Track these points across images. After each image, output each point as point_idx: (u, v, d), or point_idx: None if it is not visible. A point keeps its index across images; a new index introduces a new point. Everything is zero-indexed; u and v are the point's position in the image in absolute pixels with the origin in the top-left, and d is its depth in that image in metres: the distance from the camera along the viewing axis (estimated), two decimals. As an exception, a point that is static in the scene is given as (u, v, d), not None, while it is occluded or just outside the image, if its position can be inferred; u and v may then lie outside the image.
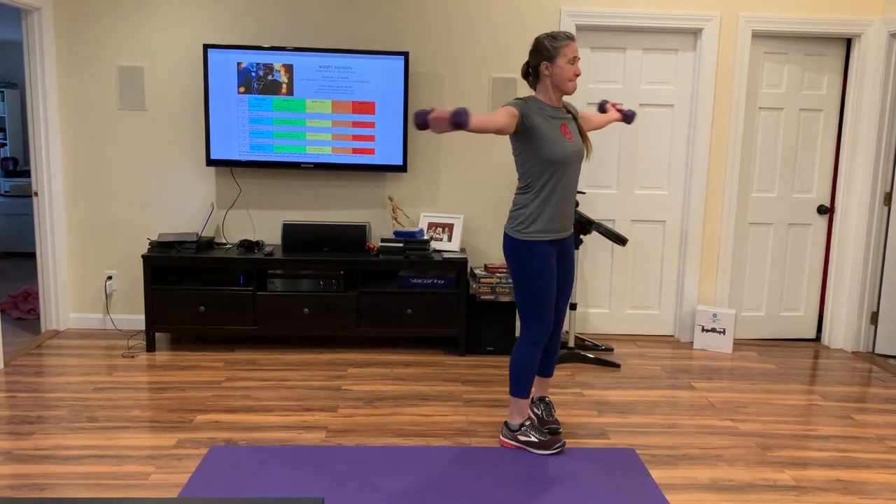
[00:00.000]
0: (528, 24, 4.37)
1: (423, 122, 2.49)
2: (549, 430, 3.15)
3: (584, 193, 4.31)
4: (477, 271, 4.25)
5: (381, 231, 4.54)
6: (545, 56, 2.87)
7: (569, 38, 2.87)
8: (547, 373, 3.23)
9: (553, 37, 2.88)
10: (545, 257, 2.91)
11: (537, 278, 2.90)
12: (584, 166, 4.55)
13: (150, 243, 4.15)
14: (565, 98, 3.17)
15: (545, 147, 2.83)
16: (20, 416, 3.22)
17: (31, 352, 4.11)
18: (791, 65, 4.49)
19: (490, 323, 4.23)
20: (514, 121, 2.78)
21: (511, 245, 2.94)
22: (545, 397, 3.26)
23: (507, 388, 3.72)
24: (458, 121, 2.48)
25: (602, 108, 3.27)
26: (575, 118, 3.01)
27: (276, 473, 2.74)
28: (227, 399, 3.47)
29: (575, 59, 2.88)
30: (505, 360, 4.17)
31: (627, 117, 3.22)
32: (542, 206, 2.89)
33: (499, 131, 2.73)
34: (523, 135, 2.84)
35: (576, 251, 4.16)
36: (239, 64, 4.21)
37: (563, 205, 2.93)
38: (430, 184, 4.51)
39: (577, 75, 2.90)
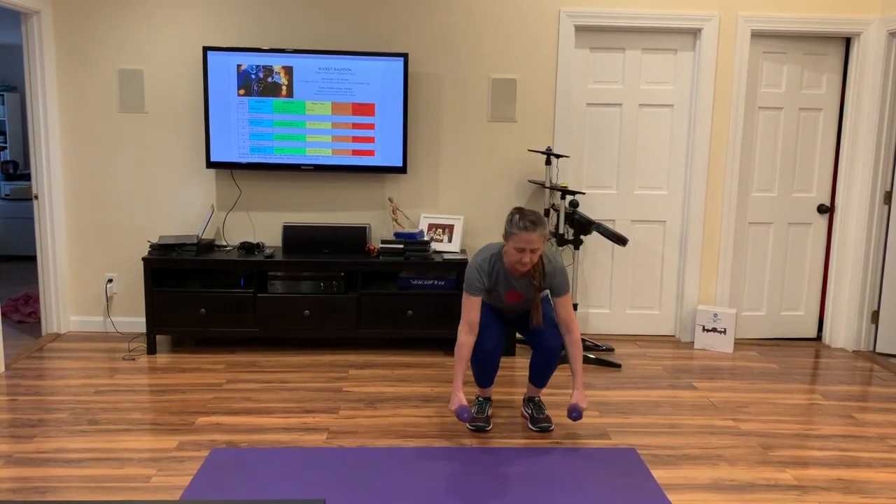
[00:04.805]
0: (528, 25, 4.37)
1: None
2: (540, 428, 3.19)
3: (584, 194, 4.30)
4: (477, 272, 4.24)
5: (381, 232, 4.55)
6: (505, 231, 3.00)
7: (525, 228, 2.88)
8: (535, 383, 3.28)
9: (512, 221, 2.94)
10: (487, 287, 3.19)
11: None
12: (583, 167, 4.56)
13: (151, 246, 4.15)
14: (549, 259, 3.07)
15: (488, 297, 3.22)
16: (21, 419, 3.22)
17: (32, 355, 4.11)
18: (790, 64, 4.49)
19: (491, 324, 4.23)
20: (479, 303, 3.06)
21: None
22: (534, 397, 3.31)
23: (507, 389, 3.72)
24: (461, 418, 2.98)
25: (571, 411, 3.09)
26: (539, 289, 3.07)
27: (278, 475, 2.74)
28: (229, 401, 3.47)
29: (522, 251, 2.91)
30: (505, 361, 4.17)
31: (570, 411, 3.07)
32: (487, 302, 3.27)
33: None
34: None
35: (575, 252, 4.17)
36: (239, 66, 4.21)
37: (503, 314, 3.29)
38: (431, 185, 4.51)
39: (524, 265, 2.94)
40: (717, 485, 2.76)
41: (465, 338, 3.03)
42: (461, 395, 2.99)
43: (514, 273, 3.05)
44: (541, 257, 3.04)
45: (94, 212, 4.47)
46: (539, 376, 3.23)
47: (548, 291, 3.21)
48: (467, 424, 3.23)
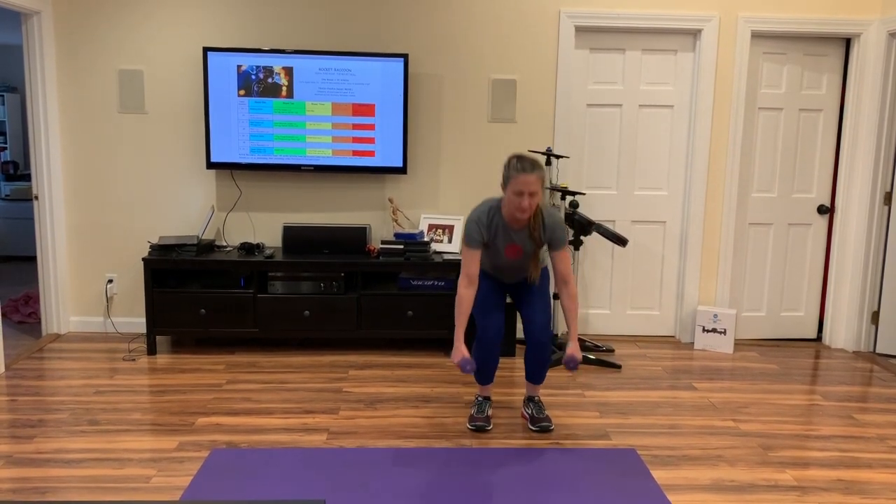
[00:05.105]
0: (528, 26, 4.37)
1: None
2: (541, 427, 3.20)
3: (584, 194, 4.31)
4: (477, 273, 4.24)
5: (381, 233, 4.55)
6: (503, 178, 2.98)
7: (523, 170, 2.87)
8: (532, 380, 3.29)
9: (510, 165, 2.93)
10: (484, 281, 3.26)
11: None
12: (583, 168, 4.56)
13: (151, 246, 4.15)
14: (548, 212, 3.05)
15: (486, 254, 3.16)
16: (21, 419, 3.22)
17: (32, 355, 4.11)
18: (790, 65, 4.50)
19: (491, 324, 4.23)
20: (478, 256, 3.06)
21: None
22: (534, 397, 3.32)
23: (507, 390, 3.72)
24: (465, 371, 3.02)
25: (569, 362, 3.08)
26: (539, 243, 3.06)
27: (278, 475, 2.74)
28: (229, 402, 3.47)
29: (521, 195, 2.88)
30: (505, 361, 4.17)
31: (567, 362, 3.06)
32: (486, 263, 3.23)
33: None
34: None
35: (576, 252, 4.17)
36: (239, 66, 4.21)
37: (501, 275, 3.23)
38: (431, 185, 4.52)
39: (523, 210, 2.92)
40: (717, 485, 2.76)
41: (466, 291, 3.03)
42: (463, 348, 3.00)
43: (514, 225, 3.04)
44: (540, 211, 3.03)
45: (94, 212, 4.47)
46: (532, 372, 3.24)
47: (548, 264, 3.20)
48: (467, 424, 3.23)
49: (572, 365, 3.05)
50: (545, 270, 3.27)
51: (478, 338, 3.14)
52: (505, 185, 2.95)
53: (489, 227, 3.06)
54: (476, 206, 3.13)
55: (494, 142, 4.47)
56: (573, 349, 3.07)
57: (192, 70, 4.36)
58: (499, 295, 3.24)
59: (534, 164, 2.89)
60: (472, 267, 3.04)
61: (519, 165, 2.89)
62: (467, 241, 3.04)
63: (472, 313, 3.40)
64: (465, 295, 3.03)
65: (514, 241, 3.07)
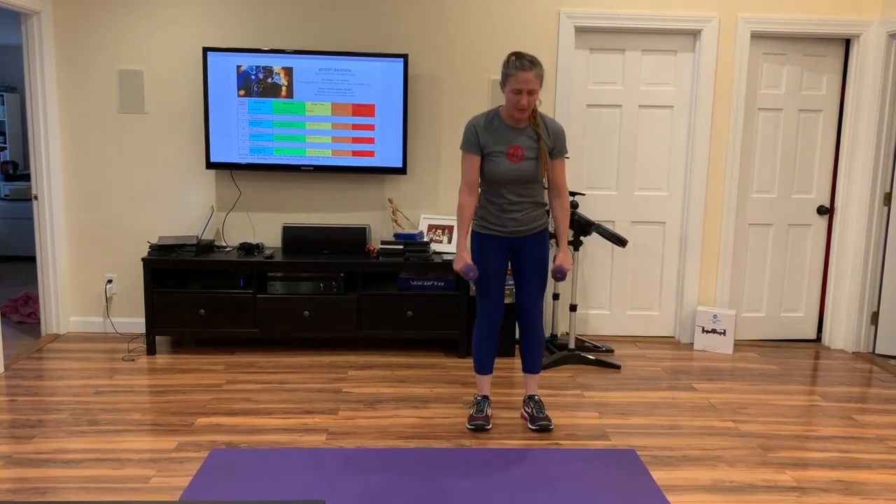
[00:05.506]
0: (528, 26, 4.37)
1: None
2: (540, 426, 3.20)
3: (583, 195, 4.31)
4: (477, 273, 4.24)
5: (380, 233, 4.55)
6: (502, 76, 2.97)
7: (521, 68, 2.86)
8: (528, 368, 3.30)
9: (508, 63, 2.93)
10: (482, 246, 3.16)
11: (476, 264, 3.19)
12: (583, 168, 4.56)
13: (151, 246, 4.15)
14: (549, 119, 3.07)
15: (486, 166, 3.06)
16: (21, 419, 3.22)
17: (32, 355, 4.11)
18: (790, 65, 4.50)
19: (490, 325, 4.22)
20: (476, 163, 3.05)
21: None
22: (534, 396, 3.32)
23: (507, 390, 3.72)
24: (467, 277, 3.07)
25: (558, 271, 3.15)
26: (540, 139, 3.03)
27: (277, 476, 2.74)
28: (228, 402, 3.47)
29: (520, 93, 2.88)
30: (504, 362, 4.17)
31: (555, 272, 3.14)
32: (483, 205, 3.15)
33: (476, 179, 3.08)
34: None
35: (575, 253, 4.17)
36: (238, 67, 4.21)
37: (502, 213, 3.11)
38: (430, 185, 4.52)
39: (521, 109, 2.92)
40: (716, 486, 2.76)
41: (466, 199, 3.06)
42: (466, 255, 3.04)
43: (515, 125, 3.02)
44: (539, 113, 3.04)
45: (93, 212, 4.47)
46: (528, 356, 3.26)
47: (549, 225, 3.22)
48: (467, 424, 3.23)
49: (560, 276, 3.10)
50: (545, 242, 3.20)
51: (478, 314, 3.17)
52: (504, 83, 2.95)
53: (487, 128, 3.04)
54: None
55: (494, 142, 4.47)
56: (562, 259, 3.11)
57: (192, 70, 4.36)
58: (499, 265, 3.17)
59: (532, 62, 2.89)
60: (471, 175, 3.06)
61: (517, 63, 2.88)
62: (464, 146, 3.07)
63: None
64: (466, 203, 3.06)
65: (515, 142, 3.03)
